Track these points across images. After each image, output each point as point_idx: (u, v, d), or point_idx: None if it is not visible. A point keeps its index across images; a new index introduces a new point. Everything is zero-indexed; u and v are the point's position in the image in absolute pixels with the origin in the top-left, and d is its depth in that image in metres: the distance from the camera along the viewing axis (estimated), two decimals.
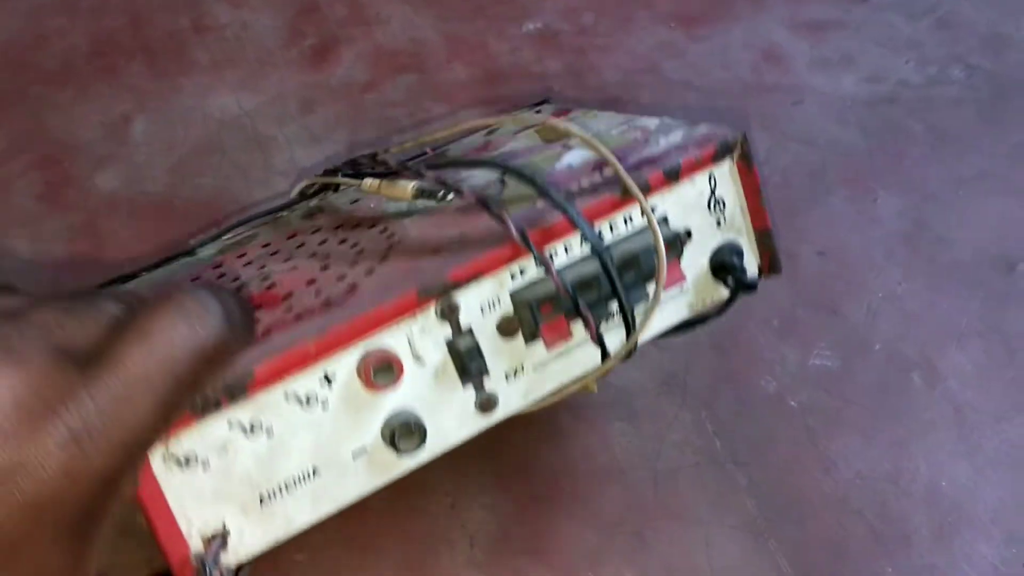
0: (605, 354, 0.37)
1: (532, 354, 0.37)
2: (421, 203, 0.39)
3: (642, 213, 0.37)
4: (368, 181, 0.40)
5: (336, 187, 0.45)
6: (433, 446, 0.36)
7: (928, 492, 0.46)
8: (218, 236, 0.45)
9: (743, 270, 0.39)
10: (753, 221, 0.40)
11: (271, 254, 0.42)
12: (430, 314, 0.34)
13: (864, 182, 0.57)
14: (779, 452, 0.47)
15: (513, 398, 0.37)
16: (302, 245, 0.41)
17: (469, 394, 0.36)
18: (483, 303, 0.35)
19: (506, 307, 0.36)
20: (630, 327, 0.37)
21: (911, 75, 0.62)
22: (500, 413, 0.37)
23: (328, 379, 0.33)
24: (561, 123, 0.40)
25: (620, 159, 0.37)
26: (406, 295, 0.34)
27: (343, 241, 0.40)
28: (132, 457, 0.26)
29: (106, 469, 0.25)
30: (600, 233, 0.37)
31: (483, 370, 0.36)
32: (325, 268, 0.38)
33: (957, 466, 0.47)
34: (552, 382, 0.38)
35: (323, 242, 0.41)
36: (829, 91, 0.61)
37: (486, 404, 0.36)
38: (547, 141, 0.44)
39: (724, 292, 0.40)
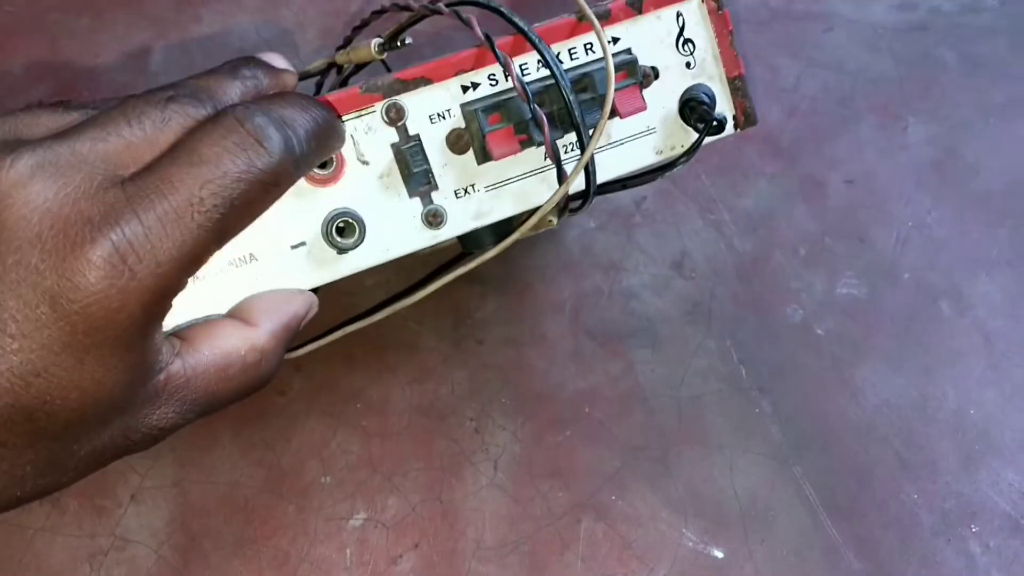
0: (561, 173, 0.35)
1: (484, 175, 0.37)
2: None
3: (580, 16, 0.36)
4: (339, 54, 0.40)
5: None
6: (375, 251, 0.36)
7: (955, 419, 0.45)
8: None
9: (711, 107, 0.38)
10: (726, 68, 0.39)
11: None
12: (376, 115, 0.35)
13: (894, 109, 0.56)
14: (804, 380, 0.46)
15: (462, 217, 0.37)
16: None
17: (416, 205, 0.36)
18: (432, 113, 0.35)
19: (456, 120, 0.36)
20: (583, 141, 0.35)
21: (943, 2, 0.60)
22: (448, 231, 0.37)
23: None
24: None
25: None
26: (349, 91, 0.34)
27: None
28: (182, 276, 0.26)
29: (156, 287, 0.25)
30: (557, 55, 0.36)
31: (431, 182, 0.36)
32: None
33: (985, 394, 0.46)
34: (506, 208, 0.37)
35: None
36: (859, 18, 0.60)
37: (433, 218, 0.36)
38: None
39: (693, 137, 0.39)
